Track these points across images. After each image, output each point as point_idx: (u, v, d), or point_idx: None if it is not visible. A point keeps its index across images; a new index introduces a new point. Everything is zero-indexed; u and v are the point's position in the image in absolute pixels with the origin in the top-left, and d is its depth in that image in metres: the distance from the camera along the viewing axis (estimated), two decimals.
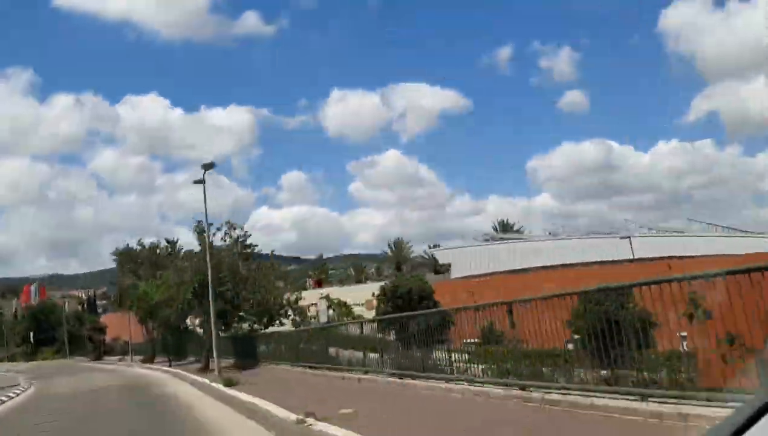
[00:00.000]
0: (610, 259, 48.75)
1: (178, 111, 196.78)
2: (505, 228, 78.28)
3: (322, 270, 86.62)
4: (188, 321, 32.66)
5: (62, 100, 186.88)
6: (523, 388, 9.49)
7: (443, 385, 11.80)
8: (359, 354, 17.30)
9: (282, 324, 29.18)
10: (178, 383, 23.04)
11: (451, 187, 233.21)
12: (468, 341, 12.29)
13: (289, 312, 29.61)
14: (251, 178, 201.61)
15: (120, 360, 50.58)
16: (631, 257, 47.63)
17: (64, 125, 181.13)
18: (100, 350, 58.89)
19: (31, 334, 73.80)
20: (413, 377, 13.17)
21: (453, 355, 12.53)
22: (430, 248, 78.74)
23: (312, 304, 44.94)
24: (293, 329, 28.12)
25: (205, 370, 25.72)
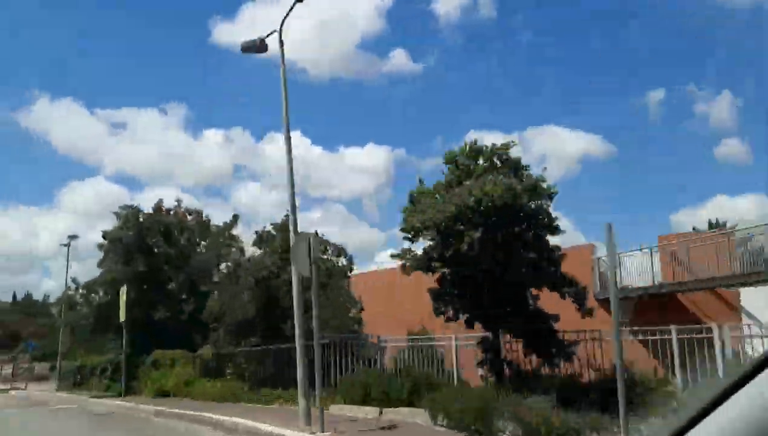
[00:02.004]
0: None
1: (318, 149, 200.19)
2: None
3: None
4: None
5: (212, 136, 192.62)
6: None
7: None
8: None
9: None
10: None
11: (589, 237, 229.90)
12: None
13: None
14: (381, 219, 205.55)
15: None
16: None
17: (212, 159, 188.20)
18: None
19: None
20: None
21: None
22: None
23: None
24: None
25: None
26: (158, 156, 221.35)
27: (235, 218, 29.42)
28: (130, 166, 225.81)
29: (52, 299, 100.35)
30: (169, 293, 26.90)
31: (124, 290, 22.00)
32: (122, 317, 22.17)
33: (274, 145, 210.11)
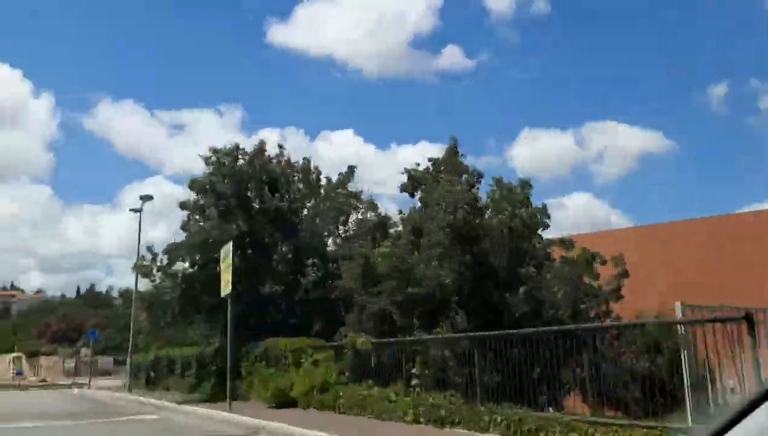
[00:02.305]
0: None
1: (371, 147, 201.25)
2: None
3: None
4: None
5: (267, 135, 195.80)
6: None
7: None
8: None
9: None
10: None
11: None
12: None
13: None
14: None
15: None
16: None
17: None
18: None
19: None
20: None
21: None
22: None
23: None
24: None
25: None
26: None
27: (351, 169, 22.26)
28: (189, 166, 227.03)
29: (116, 292, 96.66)
30: (279, 262, 19.99)
31: (228, 249, 14.83)
32: (225, 290, 15.09)
33: (327, 143, 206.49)
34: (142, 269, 19.98)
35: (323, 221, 20.90)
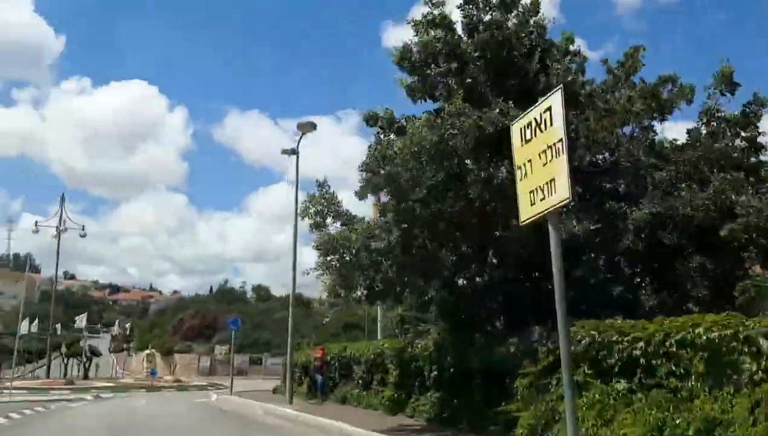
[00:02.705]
0: None
1: None
2: None
3: None
4: None
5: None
6: None
7: None
8: None
9: None
10: None
11: None
12: None
13: None
14: None
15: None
16: None
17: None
18: None
19: None
20: None
21: None
22: None
23: None
24: None
25: None
26: (334, 161, 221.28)
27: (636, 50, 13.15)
28: (310, 172, 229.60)
29: (249, 289, 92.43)
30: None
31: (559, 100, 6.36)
32: (525, 214, 6.58)
33: None
34: (317, 204, 11.81)
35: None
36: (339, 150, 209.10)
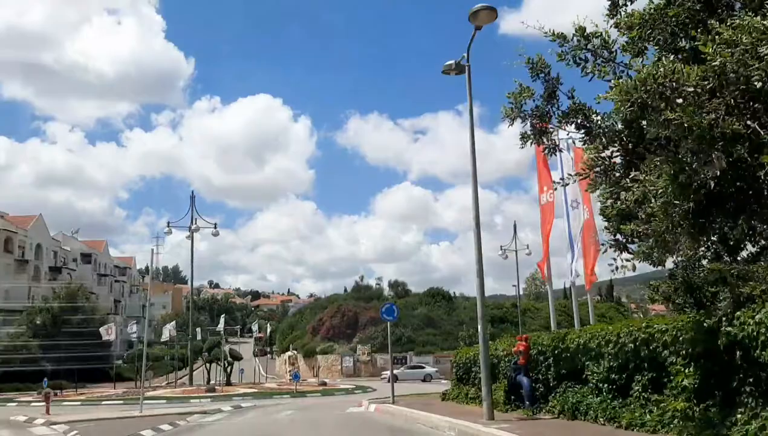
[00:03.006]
0: None
1: None
2: None
3: None
4: None
5: (506, 129, 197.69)
6: None
7: None
8: None
9: None
10: None
11: None
12: None
13: None
14: None
15: None
16: None
17: (510, 153, 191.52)
18: None
19: None
20: None
21: None
22: None
23: None
24: None
25: None
26: (457, 156, 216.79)
27: None
28: (432, 168, 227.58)
29: (385, 284, 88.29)
30: None
31: None
32: None
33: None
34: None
35: None
36: (461, 144, 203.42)
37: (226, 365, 41.05)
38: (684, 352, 8.40)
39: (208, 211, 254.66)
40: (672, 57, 7.06)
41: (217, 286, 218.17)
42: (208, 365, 43.29)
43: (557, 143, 8.89)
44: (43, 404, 23.38)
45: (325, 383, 40.94)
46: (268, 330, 60.95)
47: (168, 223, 40.98)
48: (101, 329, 39.74)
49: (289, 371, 45.32)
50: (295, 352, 46.66)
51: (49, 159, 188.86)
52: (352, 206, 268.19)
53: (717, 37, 5.85)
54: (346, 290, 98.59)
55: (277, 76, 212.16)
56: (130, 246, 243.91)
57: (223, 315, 49.34)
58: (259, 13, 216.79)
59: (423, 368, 53.23)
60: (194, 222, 40.97)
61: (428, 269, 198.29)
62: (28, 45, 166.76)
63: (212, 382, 40.06)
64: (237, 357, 42.57)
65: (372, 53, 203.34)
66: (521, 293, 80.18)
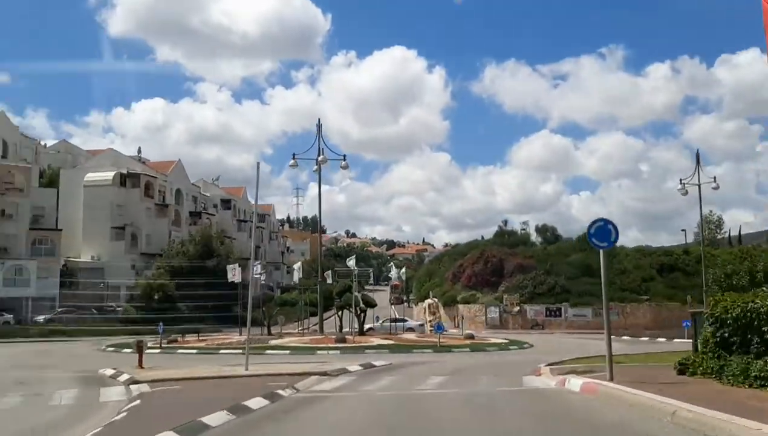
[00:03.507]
0: None
1: None
2: None
3: None
4: None
5: (655, 70, 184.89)
6: None
7: None
8: None
9: None
10: None
11: None
12: None
13: None
14: None
15: None
16: None
17: (658, 95, 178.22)
18: None
19: None
20: None
21: None
22: None
23: None
24: None
25: None
26: (600, 102, 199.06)
27: None
28: (573, 115, 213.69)
29: (532, 230, 79.55)
30: None
31: None
32: None
33: (728, 67, 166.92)
34: None
35: None
36: (605, 89, 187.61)
37: (359, 311, 36.07)
38: None
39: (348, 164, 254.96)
40: None
41: (353, 235, 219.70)
42: (339, 311, 38.59)
43: None
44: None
45: (472, 336, 34.83)
46: (404, 276, 55.52)
47: (293, 154, 36.20)
48: (228, 269, 36.09)
49: (430, 320, 39.71)
50: (436, 300, 40.81)
51: (200, 118, 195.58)
52: (488, 157, 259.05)
53: None
54: (482, 239, 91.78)
55: (411, 28, 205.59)
56: (273, 199, 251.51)
57: (353, 255, 44.61)
58: None
59: (406, 321, 46.58)
60: (321, 152, 35.83)
61: (568, 219, 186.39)
62: (176, 9, 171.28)
63: (344, 330, 35.31)
64: (370, 304, 37.49)
65: None
66: (689, 239, 69.37)
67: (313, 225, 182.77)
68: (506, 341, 34.22)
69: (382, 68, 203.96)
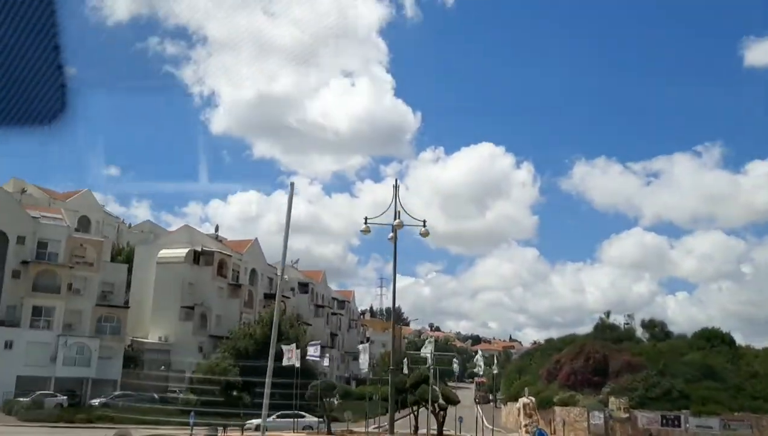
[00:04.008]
0: None
1: None
2: None
3: None
4: None
5: (757, 168, 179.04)
6: None
7: None
8: None
9: None
10: None
11: None
12: None
13: None
14: None
15: None
16: None
17: (760, 194, 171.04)
18: None
19: None
20: None
21: None
22: None
23: None
24: None
25: None
26: (696, 200, 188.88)
27: None
28: (668, 213, 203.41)
29: (638, 325, 70.38)
30: None
31: None
32: None
33: None
34: None
35: None
36: (701, 186, 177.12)
37: (437, 409, 29.50)
38: None
39: (433, 257, 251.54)
40: None
41: (437, 329, 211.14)
42: (414, 408, 32.07)
43: None
44: None
45: None
46: (495, 370, 48.05)
47: (365, 218, 31.27)
48: (284, 350, 30.84)
49: (525, 424, 32.47)
50: (533, 399, 33.54)
51: (293, 210, 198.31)
52: (578, 253, 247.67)
53: None
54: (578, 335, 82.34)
55: (499, 126, 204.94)
56: (359, 288, 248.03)
57: (431, 340, 38.18)
58: (473, 65, 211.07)
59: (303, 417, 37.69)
60: (398, 216, 30.73)
61: (664, 321, 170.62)
62: (275, 109, 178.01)
63: (420, 432, 28.75)
64: (452, 400, 30.86)
65: (594, 94, 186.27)
66: None
67: (397, 317, 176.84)
68: None
69: (470, 163, 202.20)
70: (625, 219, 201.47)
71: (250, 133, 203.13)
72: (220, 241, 72.03)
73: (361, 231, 32.01)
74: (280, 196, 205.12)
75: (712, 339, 52.21)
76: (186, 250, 63.00)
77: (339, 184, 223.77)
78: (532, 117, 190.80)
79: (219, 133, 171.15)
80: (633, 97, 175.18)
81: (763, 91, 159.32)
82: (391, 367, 30.26)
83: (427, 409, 30.14)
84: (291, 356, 29.70)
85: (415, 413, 32.22)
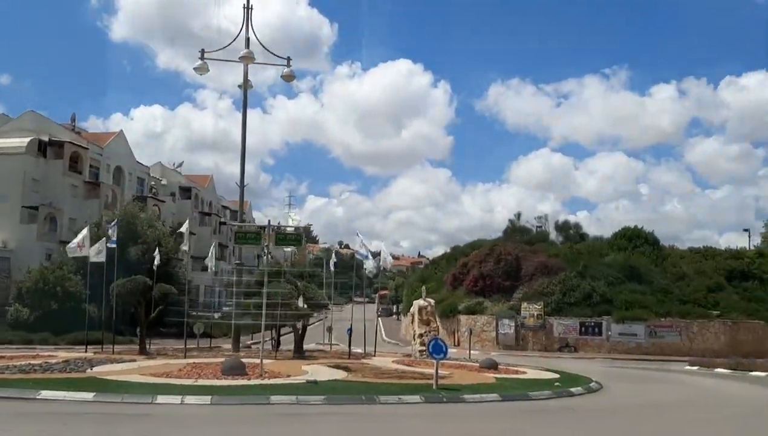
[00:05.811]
0: None
1: None
2: None
3: None
4: None
5: (660, 91, 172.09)
6: None
7: None
8: None
9: None
10: None
11: None
12: None
13: None
14: None
15: None
16: None
17: (662, 117, 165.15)
18: None
19: None
20: None
21: None
22: None
23: None
24: None
25: None
26: (602, 121, 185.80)
27: None
28: (575, 135, 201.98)
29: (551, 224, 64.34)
30: None
31: None
32: None
33: (733, 90, 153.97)
34: None
35: None
36: (608, 109, 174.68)
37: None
38: None
39: (346, 177, 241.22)
40: None
41: (347, 246, 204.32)
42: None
43: None
44: None
45: (494, 365, 19.20)
46: (389, 265, 38.95)
47: (201, 51, 20.97)
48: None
49: (421, 334, 23.95)
50: (431, 302, 24.89)
51: (200, 125, 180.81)
52: (489, 174, 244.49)
53: None
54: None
55: (417, 41, 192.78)
56: (272, 209, 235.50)
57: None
58: None
59: None
60: (247, 45, 20.65)
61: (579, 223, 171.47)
62: (179, 14, 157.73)
63: (282, 349, 19.78)
64: (315, 303, 21.84)
65: (509, 17, 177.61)
66: (755, 243, 54.31)
67: (306, 236, 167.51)
68: (553, 373, 18.85)
69: (387, 81, 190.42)
70: (536, 140, 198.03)
71: (153, 41, 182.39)
72: (78, 132, 59.10)
73: (195, 69, 21.83)
74: (187, 110, 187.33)
75: (635, 239, 45.86)
76: (28, 139, 50.19)
77: (251, 100, 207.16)
78: (452, 34, 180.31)
79: (120, 40, 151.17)
80: (551, 16, 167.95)
81: (671, 14, 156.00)
82: (237, 261, 20.68)
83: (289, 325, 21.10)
84: (83, 247, 20.08)
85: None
